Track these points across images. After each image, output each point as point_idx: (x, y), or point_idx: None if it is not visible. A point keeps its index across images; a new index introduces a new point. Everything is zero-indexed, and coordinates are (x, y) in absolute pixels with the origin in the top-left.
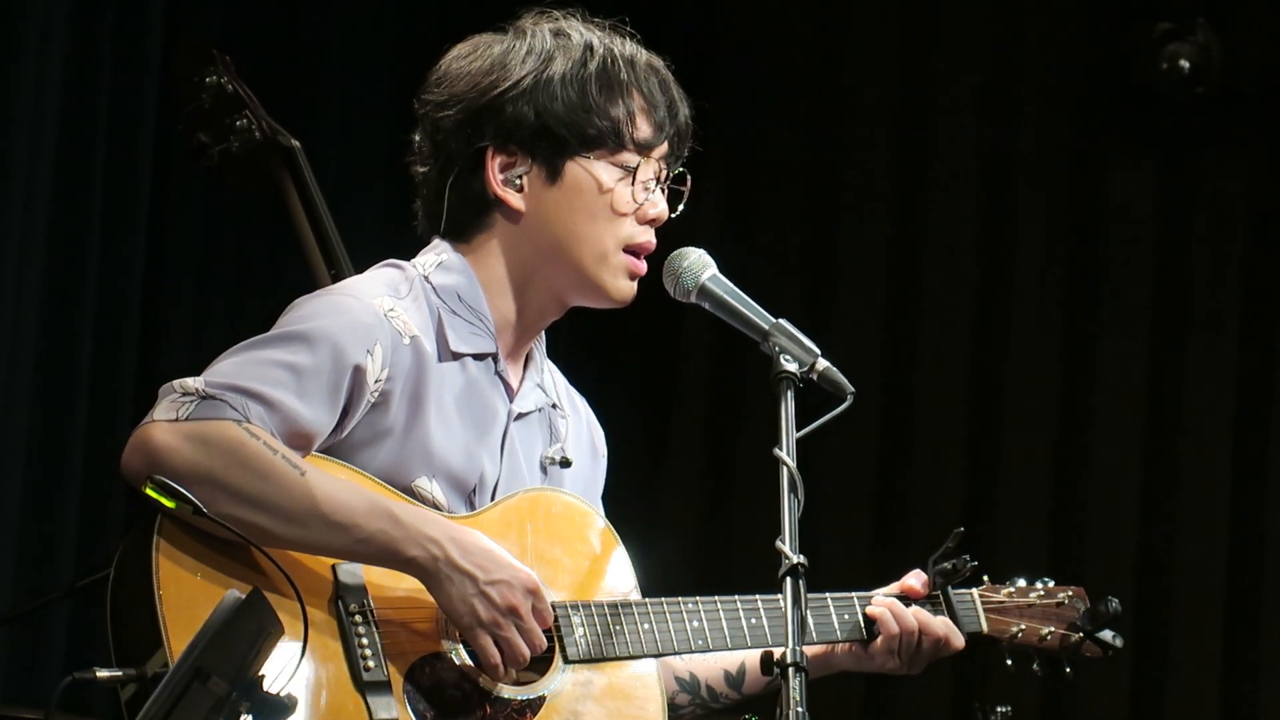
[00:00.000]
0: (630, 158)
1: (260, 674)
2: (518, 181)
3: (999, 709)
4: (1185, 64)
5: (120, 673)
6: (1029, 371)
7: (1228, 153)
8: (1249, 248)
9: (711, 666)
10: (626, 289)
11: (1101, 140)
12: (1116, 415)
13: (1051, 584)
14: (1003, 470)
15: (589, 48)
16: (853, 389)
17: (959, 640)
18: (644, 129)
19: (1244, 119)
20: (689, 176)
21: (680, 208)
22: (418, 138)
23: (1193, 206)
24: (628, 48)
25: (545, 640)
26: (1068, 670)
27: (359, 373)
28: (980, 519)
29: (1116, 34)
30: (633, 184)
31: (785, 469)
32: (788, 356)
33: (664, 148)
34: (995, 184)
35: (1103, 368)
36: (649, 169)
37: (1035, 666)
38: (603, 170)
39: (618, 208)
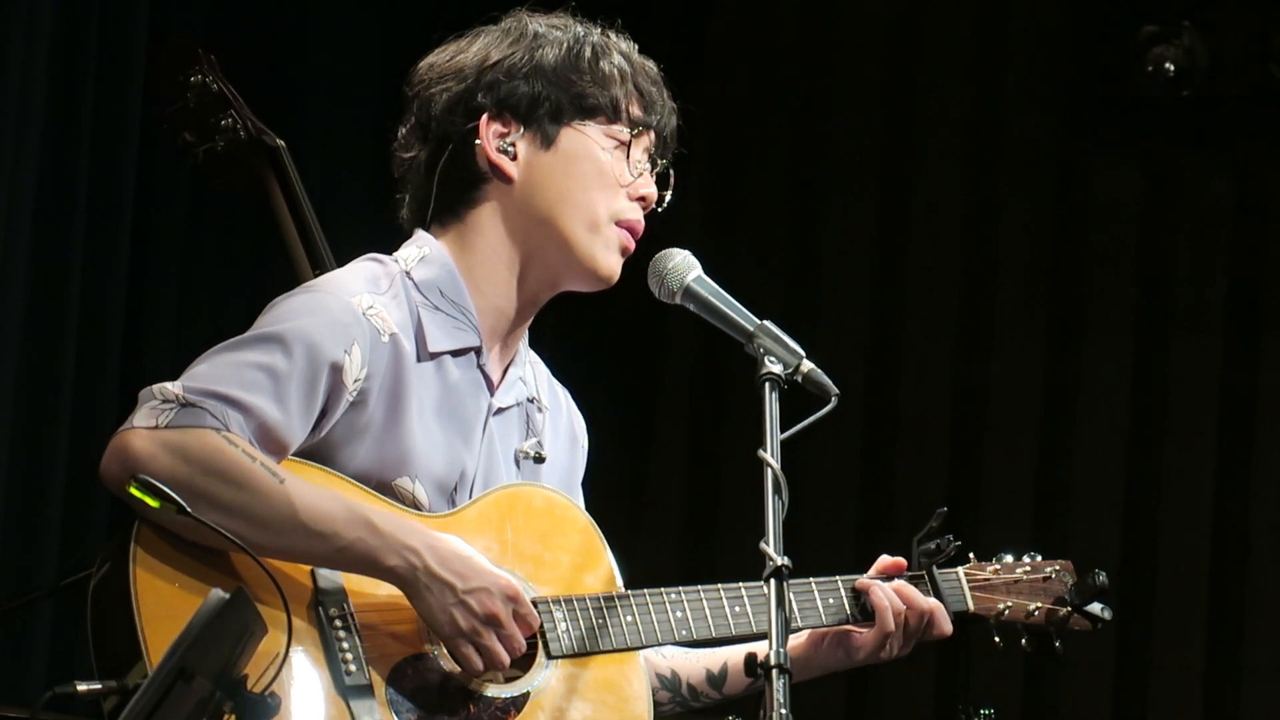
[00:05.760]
0: (624, 131)
1: (244, 673)
2: (511, 149)
3: (983, 711)
4: (1170, 67)
5: (100, 685)
6: (1013, 372)
7: (1212, 155)
8: (1233, 249)
9: (694, 665)
10: (613, 264)
11: (1087, 142)
12: (1100, 415)
13: (1039, 558)
14: (987, 471)
15: (585, 35)
16: (837, 390)
17: (946, 624)
18: (637, 109)
19: (1228, 121)
20: (672, 175)
21: (665, 204)
22: (403, 128)
23: (1177, 208)
24: (623, 44)
25: (526, 645)
26: (1057, 644)
27: (336, 373)
28: (964, 519)
29: (1102, 37)
30: (627, 157)
31: (770, 470)
32: (772, 358)
33: (652, 137)
34: (981, 185)
35: (1087, 368)
36: (640, 147)
37: (1024, 643)
38: (597, 138)
39: (610, 177)
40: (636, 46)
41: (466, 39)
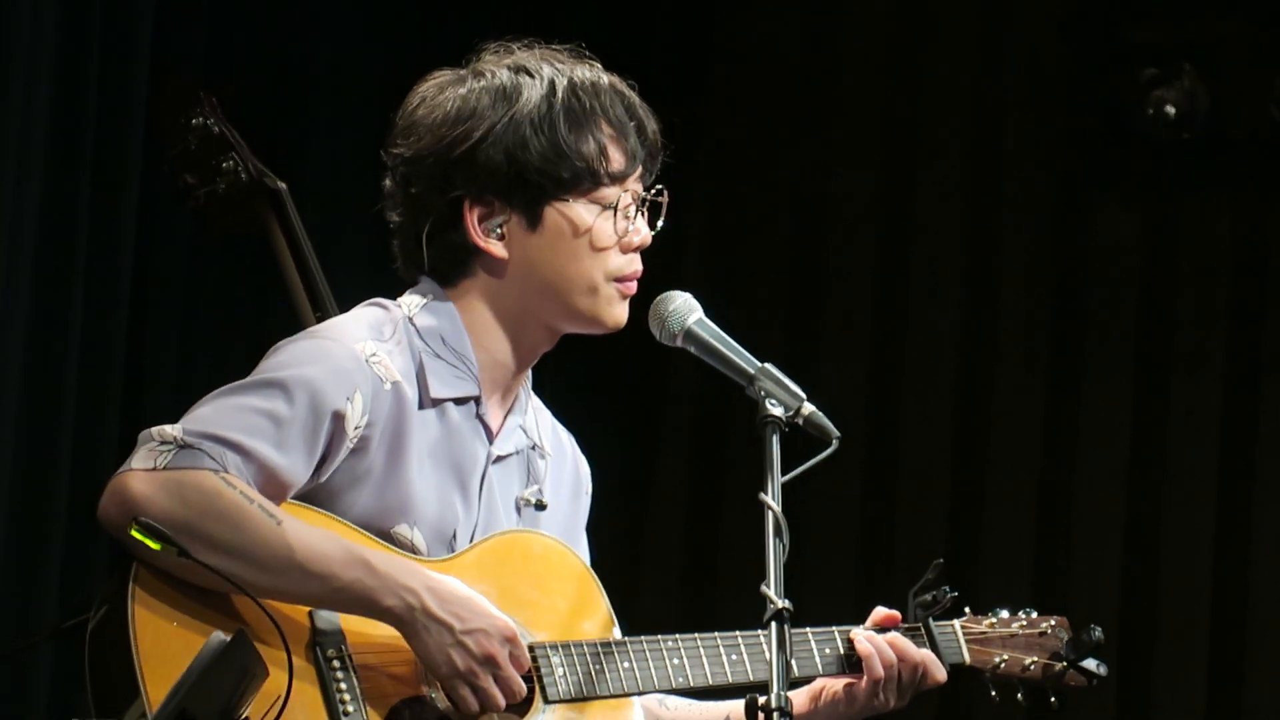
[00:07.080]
0: (608, 193)
1: (245, 717)
2: (498, 230)
3: None
4: (1171, 109)
5: None
6: (1013, 415)
7: (1213, 198)
8: (1233, 292)
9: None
10: (620, 315)
11: (1087, 185)
12: (1101, 459)
13: (1034, 614)
14: (987, 513)
15: (552, 84)
16: (838, 433)
17: (940, 672)
18: (617, 159)
19: (1229, 164)
20: (665, 191)
21: (660, 223)
22: (388, 183)
23: (1178, 251)
24: (589, 74)
25: (524, 687)
26: (1053, 700)
27: (338, 420)
28: (965, 562)
29: (1102, 79)
30: (614, 217)
31: (770, 513)
32: (773, 401)
33: (639, 170)
34: (981, 228)
35: (1087, 411)
36: (626, 197)
37: (1020, 697)
38: (582, 210)
39: (602, 243)
40: (604, 73)
41: (444, 95)
